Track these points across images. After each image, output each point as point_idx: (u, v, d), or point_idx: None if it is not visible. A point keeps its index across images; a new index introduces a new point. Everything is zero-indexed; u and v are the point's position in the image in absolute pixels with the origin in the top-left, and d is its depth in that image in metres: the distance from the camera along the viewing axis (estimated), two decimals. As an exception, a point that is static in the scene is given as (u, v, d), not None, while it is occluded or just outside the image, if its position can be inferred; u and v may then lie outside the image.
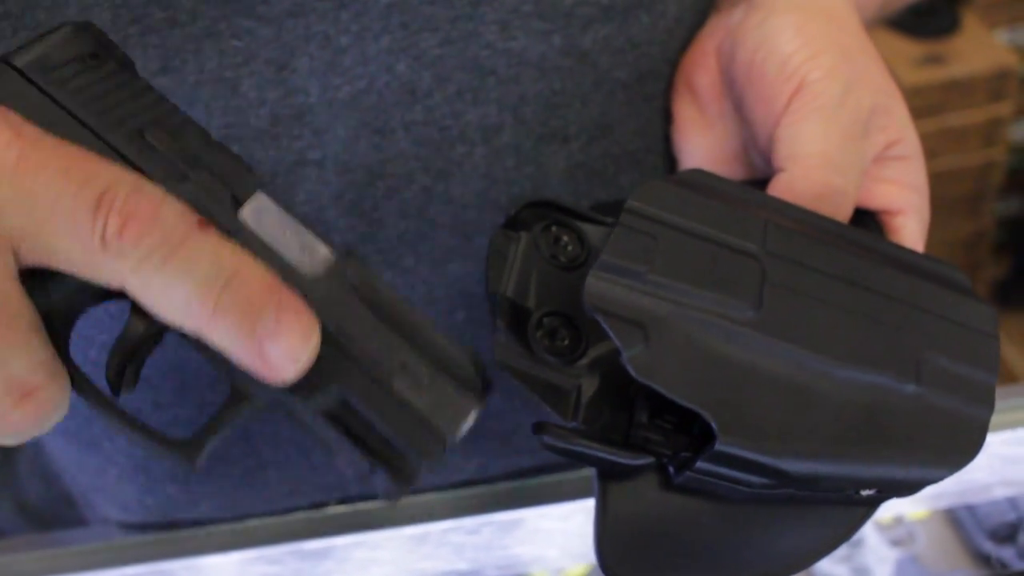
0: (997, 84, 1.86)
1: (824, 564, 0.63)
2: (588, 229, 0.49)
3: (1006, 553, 0.64)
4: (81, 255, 0.35)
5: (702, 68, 0.56)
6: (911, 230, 0.51)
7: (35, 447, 0.80)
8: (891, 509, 0.65)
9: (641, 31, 0.55)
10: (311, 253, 0.38)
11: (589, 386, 0.45)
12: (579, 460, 0.43)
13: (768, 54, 0.51)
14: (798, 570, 0.45)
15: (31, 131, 0.36)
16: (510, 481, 0.62)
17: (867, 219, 0.51)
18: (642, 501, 0.44)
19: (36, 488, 0.83)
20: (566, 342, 0.45)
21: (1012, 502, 0.66)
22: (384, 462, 0.38)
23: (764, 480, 0.42)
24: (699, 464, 0.42)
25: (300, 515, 0.62)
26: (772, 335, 0.42)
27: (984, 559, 0.63)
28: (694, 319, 0.42)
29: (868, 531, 0.65)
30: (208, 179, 0.38)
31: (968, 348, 0.45)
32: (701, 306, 0.42)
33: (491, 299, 0.46)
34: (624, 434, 0.44)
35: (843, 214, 0.49)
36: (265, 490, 0.64)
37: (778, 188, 0.49)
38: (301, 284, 0.37)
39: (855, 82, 0.50)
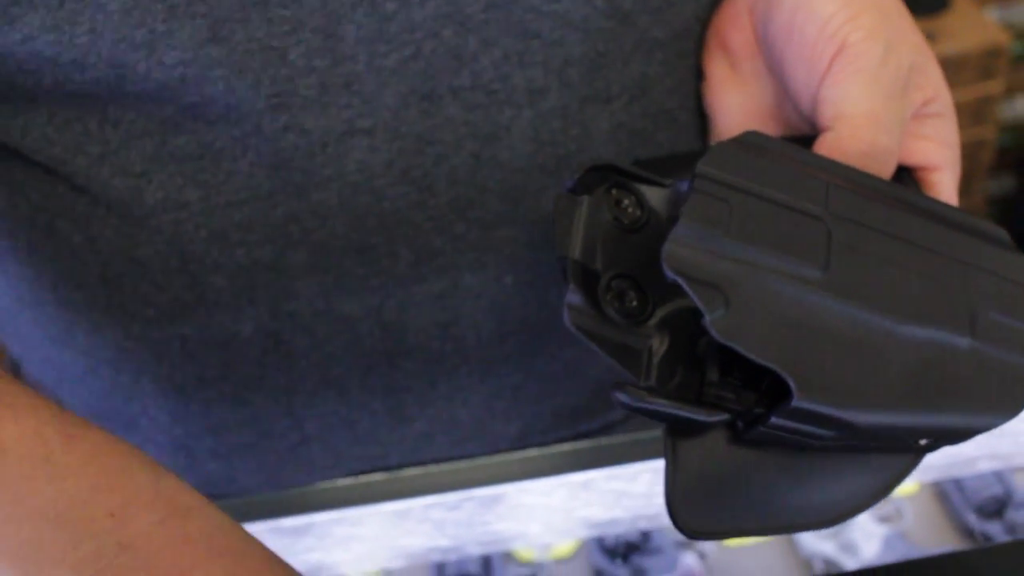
0: (987, 62, 1.86)
1: (810, 539, 0.63)
2: (646, 191, 0.49)
3: (993, 528, 0.63)
4: None
5: (735, 27, 0.57)
6: (947, 186, 0.53)
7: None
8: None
9: None
10: None
11: (659, 346, 0.46)
12: (654, 419, 0.44)
13: (808, 16, 0.51)
14: (852, 516, 0.47)
15: None
16: (489, 456, 0.61)
17: (904, 175, 0.53)
18: (710, 457, 0.45)
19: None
20: (634, 303, 0.46)
21: (998, 475, 0.66)
22: None
23: (831, 433, 0.44)
24: (773, 420, 0.43)
25: (279, 492, 0.62)
26: (839, 295, 0.44)
27: (971, 535, 0.63)
28: (768, 281, 0.43)
29: (855, 507, 0.64)
30: None
31: (1015, 301, 0.47)
32: (774, 268, 0.43)
33: (560, 262, 0.46)
34: (697, 392, 0.45)
35: (888, 171, 0.50)
36: (308, 463, 0.65)
37: (826, 147, 0.50)
38: None
39: (894, 42, 0.51)
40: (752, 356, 0.42)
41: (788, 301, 0.43)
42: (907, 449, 0.47)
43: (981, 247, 0.48)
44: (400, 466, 0.63)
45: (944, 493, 0.65)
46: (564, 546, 0.63)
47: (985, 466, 0.66)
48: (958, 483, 0.66)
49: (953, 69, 1.83)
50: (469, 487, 0.59)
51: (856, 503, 0.47)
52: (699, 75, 0.59)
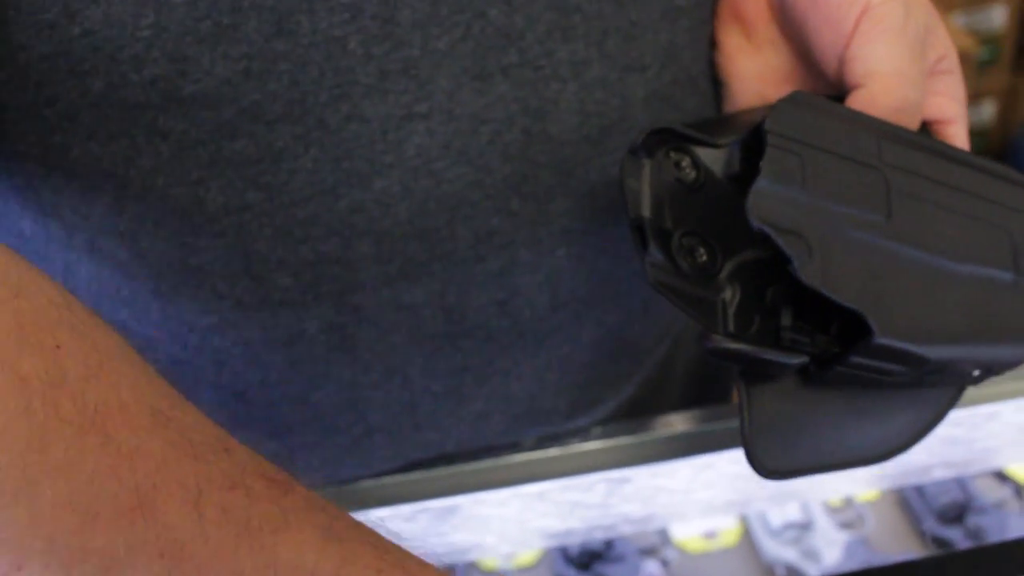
0: (954, 67, 1.86)
1: (773, 546, 0.63)
2: (700, 152, 0.52)
3: (954, 534, 0.63)
4: None
5: None
6: (962, 137, 0.56)
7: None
8: (840, 491, 0.65)
9: None
10: None
11: (731, 297, 0.49)
12: (739, 363, 0.47)
13: None
14: (908, 448, 0.51)
15: None
16: (444, 467, 0.61)
17: (923, 129, 0.55)
18: (784, 399, 0.48)
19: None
20: (704, 258, 0.49)
21: (958, 482, 0.66)
22: None
23: (904, 368, 0.48)
24: (852, 359, 0.47)
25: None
26: (904, 239, 0.48)
27: (932, 540, 0.63)
28: (843, 229, 0.46)
29: (817, 514, 0.64)
30: None
31: None
32: (845, 216, 0.47)
33: (633, 223, 0.48)
34: (774, 337, 0.48)
35: (915, 124, 0.54)
36: (369, 455, 0.65)
37: (859, 102, 0.52)
38: None
39: (911, 3, 0.54)
40: (836, 298, 0.45)
41: (862, 246, 0.47)
42: (962, 381, 0.51)
43: (1012, 190, 0.52)
44: (456, 454, 0.64)
45: (905, 499, 0.65)
46: (527, 555, 0.63)
47: (940, 474, 0.66)
48: (919, 489, 0.66)
49: (919, 75, 1.84)
50: (423, 499, 0.59)
51: (909, 436, 0.51)
52: (713, 44, 0.62)
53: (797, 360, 0.47)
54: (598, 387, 0.68)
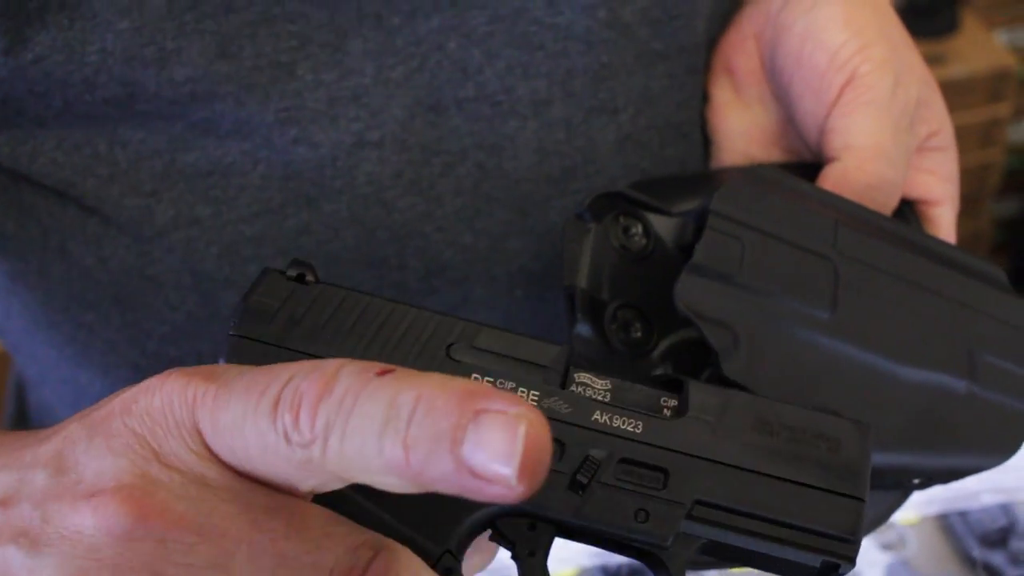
0: (996, 85, 1.85)
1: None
2: (653, 219, 0.49)
3: (996, 558, 0.63)
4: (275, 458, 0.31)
5: (741, 52, 0.57)
6: (947, 220, 0.53)
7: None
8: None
9: (677, 2, 0.55)
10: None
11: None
12: None
13: (817, 45, 0.52)
14: None
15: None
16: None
17: (905, 208, 0.53)
18: None
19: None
20: (639, 334, 0.46)
21: (1004, 508, 0.65)
22: None
23: None
24: None
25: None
26: (846, 337, 0.44)
27: (974, 564, 0.63)
28: (778, 322, 0.44)
29: (859, 534, 0.64)
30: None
31: (1012, 345, 0.48)
32: (784, 308, 0.44)
33: (567, 291, 0.46)
34: None
35: (892, 204, 0.51)
36: None
37: (832, 177, 0.50)
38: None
39: (903, 74, 0.51)
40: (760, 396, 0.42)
41: (797, 342, 0.44)
42: (898, 487, 0.47)
43: (980, 289, 0.48)
44: None
45: (947, 522, 0.65)
46: (566, 571, 0.63)
47: (988, 499, 0.65)
48: (962, 514, 0.66)
49: (961, 92, 1.83)
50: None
51: None
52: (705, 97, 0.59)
53: None
54: None
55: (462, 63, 0.52)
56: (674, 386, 0.40)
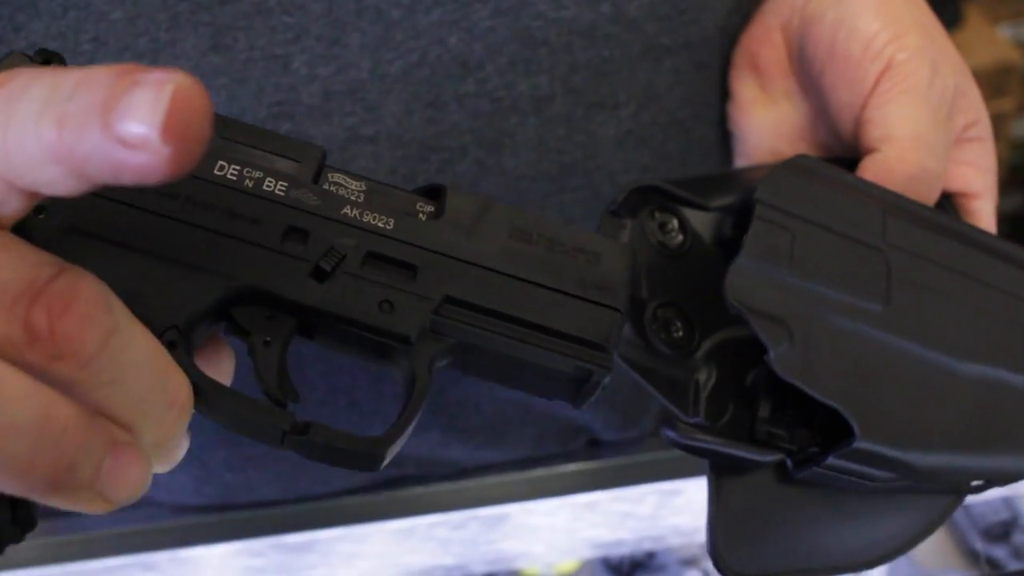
0: (999, 79, 1.85)
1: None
2: (689, 214, 0.48)
3: (999, 552, 0.63)
4: None
5: (766, 45, 0.56)
6: (987, 213, 0.52)
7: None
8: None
9: None
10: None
11: (707, 379, 0.44)
12: (702, 456, 0.43)
13: (850, 34, 0.51)
14: (895, 557, 0.45)
15: None
16: (496, 475, 0.61)
17: (944, 201, 0.51)
18: (757, 495, 0.43)
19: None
20: (680, 334, 0.45)
21: (1007, 501, 0.65)
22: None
23: (887, 474, 0.43)
24: (830, 460, 0.42)
25: (285, 508, 0.62)
26: (900, 332, 0.43)
27: (976, 557, 0.63)
28: (832, 316, 0.42)
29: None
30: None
31: None
32: (836, 302, 0.42)
33: None
34: (748, 428, 0.43)
35: (934, 196, 0.49)
36: (327, 472, 0.64)
37: (872, 168, 0.49)
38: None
39: (939, 63, 0.50)
40: (816, 394, 0.41)
41: (851, 337, 0.42)
42: (957, 490, 0.45)
43: None
44: (418, 476, 0.63)
45: (951, 518, 0.65)
46: (568, 563, 0.63)
47: (993, 493, 0.65)
48: (965, 508, 0.65)
49: (965, 86, 1.83)
50: (474, 506, 0.59)
51: (899, 543, 0.45)
52: (724, 91, 0.58)
53: (768, 458, 0.42)
54: (564, 431, 0.65)
55: (463, 58, 0.52)
56: (434, 194, 0.39)
